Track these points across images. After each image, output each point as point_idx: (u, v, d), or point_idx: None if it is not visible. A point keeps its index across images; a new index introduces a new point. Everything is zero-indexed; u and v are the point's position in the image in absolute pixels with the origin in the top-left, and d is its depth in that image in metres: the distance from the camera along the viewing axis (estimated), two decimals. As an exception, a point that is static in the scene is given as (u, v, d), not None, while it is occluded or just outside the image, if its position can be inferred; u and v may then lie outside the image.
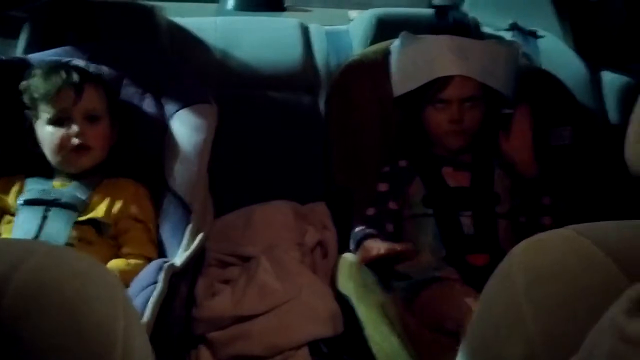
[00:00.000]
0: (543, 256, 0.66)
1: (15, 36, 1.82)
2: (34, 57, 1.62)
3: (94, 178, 1.48)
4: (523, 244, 0.70)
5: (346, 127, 1.73)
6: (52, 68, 1.48)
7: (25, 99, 1.47)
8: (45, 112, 1.44)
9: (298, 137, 1.91)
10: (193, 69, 1.77)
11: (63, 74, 1.45)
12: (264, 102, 1.94)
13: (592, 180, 1.73)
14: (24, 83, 1.48)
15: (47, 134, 1.44)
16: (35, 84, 1.45)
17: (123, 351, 0.57)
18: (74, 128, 1.43)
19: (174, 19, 2.03)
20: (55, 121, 1.44)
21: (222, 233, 1.66)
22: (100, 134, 1.47)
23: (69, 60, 1.57)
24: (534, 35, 2.15)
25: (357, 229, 1.53)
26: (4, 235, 1.39)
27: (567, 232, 0.67)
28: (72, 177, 1.47)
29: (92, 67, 1.57)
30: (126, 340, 0.58)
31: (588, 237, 0.64)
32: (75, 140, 1.43)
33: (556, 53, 2.11)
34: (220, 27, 2.04)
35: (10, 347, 0.50)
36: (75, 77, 1.45)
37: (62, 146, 1.43)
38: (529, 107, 1.58)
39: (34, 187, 1.45)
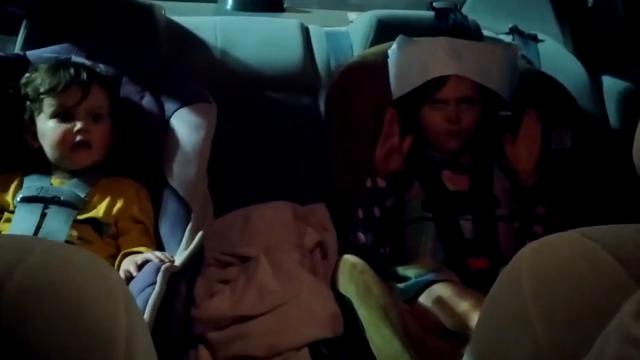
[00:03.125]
0: (550, 259, 0.66)
1: (14, 32, 1.81)
2: (32, 53, 1.61)
3: (92, 176, 1.47)
4: (530, 246, 0.69)
5: (346, 128, 1.73)
6: (60, 63, 1.48)
7: (29, 91, 1.46)
8: (49, 106, 1.43)
9: (297, 137, 1.90)
10: (191, 69, 1.77)
11: (72, 70, 1.44)
12: (264, 102, 1.93)
13: (592, 183, 1.73)
14: (27, 75, 1.48)
15: (48, 128, 1.43)
16: (42, 77, 1.45)
17: (126, 349, 0.56)
18: (78, 124, 1.42)
19: (172, 18, 2.02)
20: (58, 115, 1.43)
21: (221, 233, 1.65)
22: (102, 133, 1.46)
23: (68, 58, 1.56)
24: (534, 39, 2.16)
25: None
26: (2, 233, 1.38)
27: (574, 235, 0.67)
28: (70, 174, 1.46)
29: (91, 65, 1.57)
30: (129, 338, 0.57)
31: (595, 240, 0.64)
32: (78, 137, 1.42)
33: (556, 57, 2.11)
34: (220, 27, 2.03)
35: (9, 348, 0.49)
36: (83, 74, 1.45)
37: (64, 141, 1.43)
38: (537, 113, 1.56)
39: (32, 184, 1.44)
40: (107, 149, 1.50)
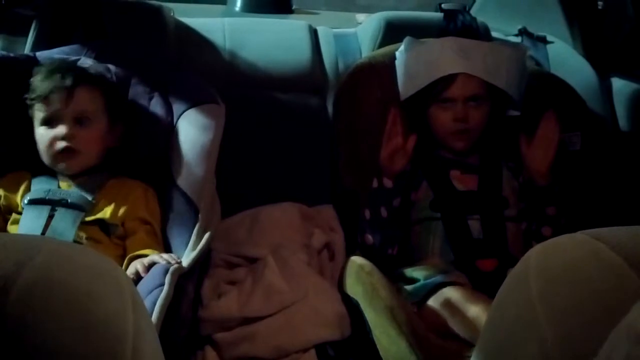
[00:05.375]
0: (558, 260, 0.66)
1: (24, 34, 1.82)
2: (42, 54, 1.62)
3: (99, 178, 1.48)
4: (538, 247, 0.69)
5: (353, 129, 1.73)
6: (52, 69, 1.47)
7: (28, 96, 1.46)
8: (39, 112, 1.44)
9: (305, 139, 1.90)
10: (200, 70, 1.77)
11: (58, 76, 1.44)
12: (272, 103, 1.93)
13: (601, 185, 1.72)
14: (31, 80, 1.48)
15: (39, 134, 1.44)
16: (35, 83, 1.45)
17: (133, 348, 0.56)
18: (61, 130, 1.42)
19: (181, 19, 2.02)
20: (46, 122, 1.43)
21: (228, 234, 1.65)
22: (91, 137, 1.45)
23: (77, 59, 1.56)
24: (543, 40, 2.15)
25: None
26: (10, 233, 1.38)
27: (582, 236, 0.66)
28: (72, 177, 1.46)
29: (100, 66, 1.57)
30: (136, 337, 0.57)
31: (603, 241, 0.64)
32: (61, 143, 1.42)
33: (565, 59, 2.10)
34: (229, 28, 2.04)
35: (16, 346, 0.49)
36: (68, 80, 1.43)
37: (50, 148, 1.43)
38: (555, 115, 1.55)
39: (39, 186, 1.45)
40: (104, 151, 1.49)
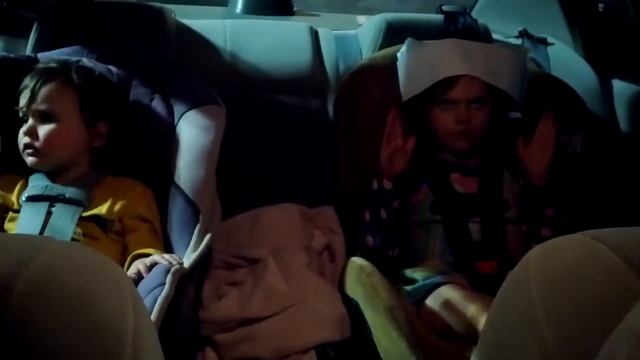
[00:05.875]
0: (558, 261, 0.66)
1: (26, 35, 1.82)
2: (43, 55, 1.63)
3: (94, 175, 1.48)
4: (538, 248, 0.69)
5: (353, 131, 1.73)
6: (34, 70, 1.47)
7: None
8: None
9: (306, 140, 1.90)
10: (201, 71, 1.78)
11: (30, 75, 1.45)
12: (272, 105, 1.93)
13: (601, 187, 1.72)
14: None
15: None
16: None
17: (133, 348, 0.56)
18: (25, 127, 1.43)
19: (182, 21, 2.03)
20: (23, 120, 1.44)
21: (229, 235, 1.65)
22: (57, 134, 1.43)
23: (78, 60, 1.57)
24: (543, 42, 2.15)
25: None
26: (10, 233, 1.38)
27: (581, 237, 0.66)
28: (59, 173, 1.46)
29: (102, 68, 1.57)
30: (136, 337, 0.57)
31: (603, 242, 0.64)
32: (24, 139, 1.43)
33: (566, 61, 2.11)
34: (230, 30, 2.04)
35: (17, 347, 0.49)
36: (35, 78, 1.43)
37: (19, 144, 1.44)
38: (553, 116, 1.55)
39: (37, 183, 1.45)
40: (85, 149, 1.48)
